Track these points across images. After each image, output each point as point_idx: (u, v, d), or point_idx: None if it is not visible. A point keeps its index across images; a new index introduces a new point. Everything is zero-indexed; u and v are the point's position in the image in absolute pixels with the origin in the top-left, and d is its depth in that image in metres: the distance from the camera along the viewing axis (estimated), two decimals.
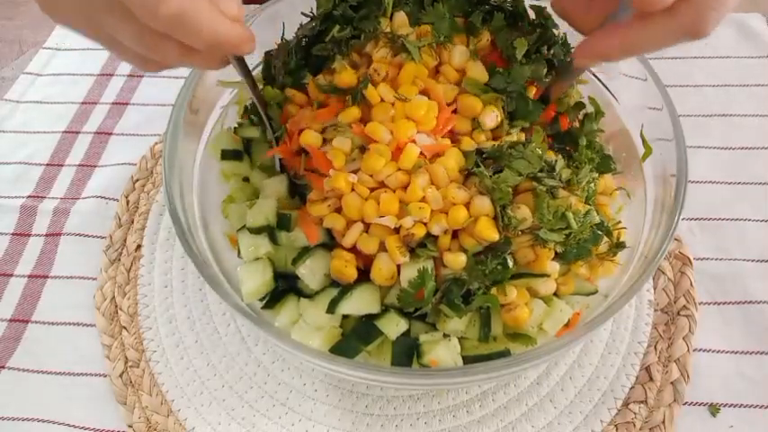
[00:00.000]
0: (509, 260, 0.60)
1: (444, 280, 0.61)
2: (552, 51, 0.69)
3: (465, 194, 0.60)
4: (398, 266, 0.61)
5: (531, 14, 0.70)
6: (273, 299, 0.65)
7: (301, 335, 0.62)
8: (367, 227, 0.62)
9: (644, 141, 0.69)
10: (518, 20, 0.69)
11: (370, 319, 0.61)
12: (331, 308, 0.61)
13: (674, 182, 0.62)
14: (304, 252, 0.64)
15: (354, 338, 0.61)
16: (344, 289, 0.61)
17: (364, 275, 0.63)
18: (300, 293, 0.65)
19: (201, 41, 0.46)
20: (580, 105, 0.73)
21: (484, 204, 0.60)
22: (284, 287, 0.66)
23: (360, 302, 0.61)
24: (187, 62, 0.49)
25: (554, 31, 0.70)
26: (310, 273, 0.63)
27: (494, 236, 0.59)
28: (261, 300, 0.65)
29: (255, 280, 0.64)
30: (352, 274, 0.62)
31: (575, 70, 0.66)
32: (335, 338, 0.62)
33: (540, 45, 0.69)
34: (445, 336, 0.61)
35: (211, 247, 0.66)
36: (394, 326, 0.60)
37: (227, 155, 0.73)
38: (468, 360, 0.61)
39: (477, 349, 0.62)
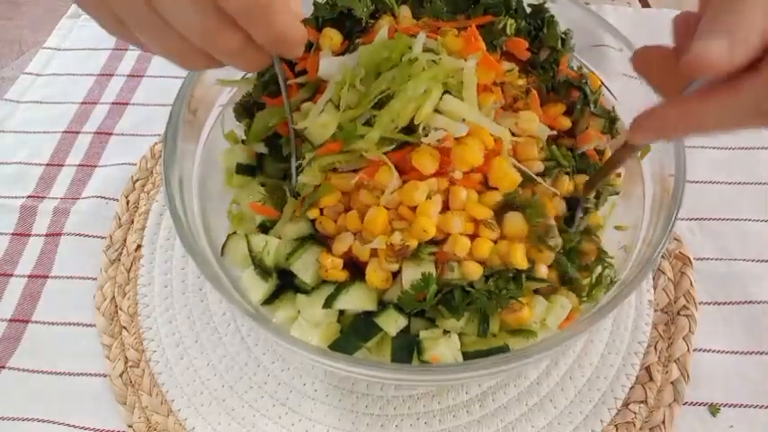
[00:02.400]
0: (524, 281, 0.61)
1: (447, 282, 0.60)
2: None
3: (494, 233, 0.60)
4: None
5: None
6: (272, 295, 0.65)
7: (300, 332, 0.62)
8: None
9: None
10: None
11: (368, 315, 0.61)
12: (328, 303, 0.61)
13: (672, 182, 0.62)
14: (299, 247, 0.64)
15: (353, 335, 0.61)
16: (341, 285, 0.61)
17: (361, 272, 0.62)
18: (298, 289, 0.65)
19: (269, 35, 0.44)
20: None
21: (518, 223, 0.60)
22: (282, 283, 0.66)
23: (356, 299, 0.61)
24: (236, 60, 0.46)
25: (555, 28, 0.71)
26: (304, 268, 0.63)
27: (524, 264, 0.60)
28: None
29: (263, 286, 0.64)
30: (338, 276, 0.62)
31: (628, 149, 0.56)
32: (334, 335, 0.62)
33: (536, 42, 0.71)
34: (445, 332, 0.61)
35: (212, 245, 0.66)
36: (393, 322, 0.60)
37: (241, 169, 0.72)
38: (467, 356, 0.61)
39: (476, 345, 0.62)
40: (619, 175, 0.70)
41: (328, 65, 0.65)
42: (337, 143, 0.61)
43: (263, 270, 0.64)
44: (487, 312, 0.60)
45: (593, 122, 0.69)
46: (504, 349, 0.61)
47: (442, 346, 0.60)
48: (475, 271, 0.60)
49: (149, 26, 0.44)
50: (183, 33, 0.44)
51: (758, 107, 0.38)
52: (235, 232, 0.68)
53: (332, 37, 0.69)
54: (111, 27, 0.47)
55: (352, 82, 0.61)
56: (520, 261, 0.60)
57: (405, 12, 0.71)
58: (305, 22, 0.73)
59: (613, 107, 0.73)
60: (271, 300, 0.65)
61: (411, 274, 0.59)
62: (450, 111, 0.61)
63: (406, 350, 0.61)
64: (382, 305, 0.62)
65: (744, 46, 0.37)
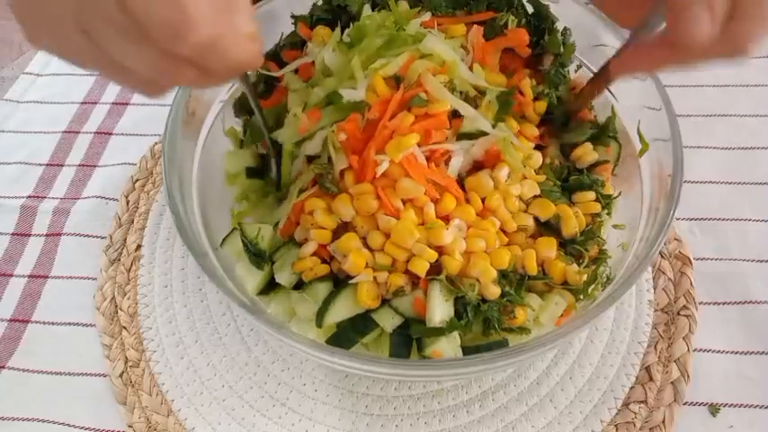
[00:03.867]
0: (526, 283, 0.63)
1: (459, 298, 0.61)
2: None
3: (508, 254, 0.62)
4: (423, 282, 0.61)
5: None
6: (267, 286, 0.66)
7: (297, 327, 0.63)
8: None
9: (641, 137, 0.70)
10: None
11: (365, 310, 0.62)
12: (319, 321, 0.61)
13: (670, 181, 0.62)
14: (281, 246, 0.65)
15: (350, 330, 0.61)
16: (327, 299, 0.62)
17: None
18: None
19: (224, 66, 0.43)
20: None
21: (552, 246, 0.63)
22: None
23: (344, 309, 0.61)
24: (199, 83, 0.46)
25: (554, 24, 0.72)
26: (280, 270, 0.64)
27: (535, 270, 0.64)
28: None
29: (257, 275, 0.64)
30: (319, 273, 0.62)
31: (605, 79, 0.65)
32: (331, 330, 0.63)
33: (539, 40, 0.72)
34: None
35: (211, 241, 0.66)
36: (389, 318, 0.61)
37: (251, 173, 0.72)
38: (466, 351, 0.61)
39: (474, 340, 0.62)
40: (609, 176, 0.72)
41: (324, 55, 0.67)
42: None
43: (258, 256, 0.64)
44: (495, 323, 0.61)
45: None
46: (502, 344, 0.61)
47: (443, 341, 0.60)
48: (495, 293, 0.61)
49: (108, 68, 0.45)
50: (140, 74, 0.44)
51: (738, 45, 0.48)
52: (236, 228, 0.69)
53: (323, 36, 0.70)
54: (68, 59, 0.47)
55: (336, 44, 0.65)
56: (533, 268, 0.62)
57: (402, 6, 0.71)
58: (298, 19, 0.73)
59: (613, 106, 0.73)
60: (266, 290, 0.66)
61: (440, 312, 0.59)
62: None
63: (405, 345, 0.61)
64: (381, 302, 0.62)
65: (720, 10, 0.46)
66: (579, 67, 0.76)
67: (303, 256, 0.63)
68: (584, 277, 0.64)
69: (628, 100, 0.73)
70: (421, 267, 0.59)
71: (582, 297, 0.64)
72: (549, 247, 0.64)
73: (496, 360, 0.54)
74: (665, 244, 0.79)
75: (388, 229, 0.60)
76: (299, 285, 0.64)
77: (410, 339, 0.61)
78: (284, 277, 0.63)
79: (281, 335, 0.55)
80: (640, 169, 0.70)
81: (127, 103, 1.01)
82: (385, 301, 0.62)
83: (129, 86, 0.48)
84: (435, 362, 0.58)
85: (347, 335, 0.61)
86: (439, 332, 0.59)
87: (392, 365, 0.57)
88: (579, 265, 0.65)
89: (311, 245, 0.63)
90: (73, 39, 0.43)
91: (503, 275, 0.62)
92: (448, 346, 0.59)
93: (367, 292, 0.60)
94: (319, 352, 0.55)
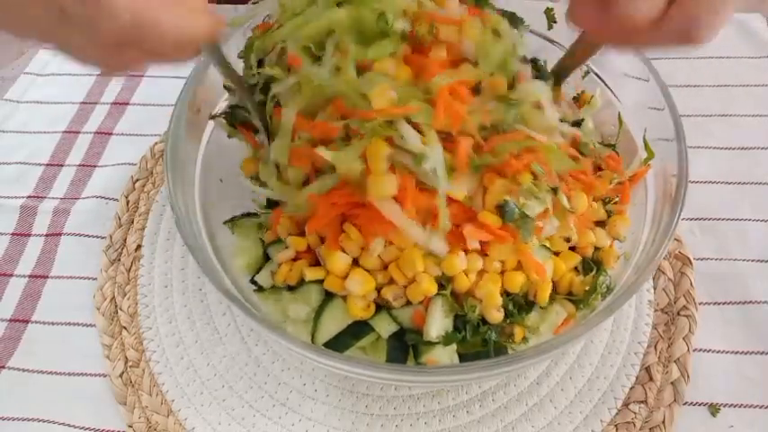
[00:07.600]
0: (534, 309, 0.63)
1: (459, 315, 0.60)
2: None
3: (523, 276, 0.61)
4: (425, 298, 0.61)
5: None
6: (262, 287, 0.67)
7: (292, 327, 0.63)
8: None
9: (646, 146, 0.69)
10: None
11: None
12: (312, 340, 0.61)
13: (674, 182, 0.62)
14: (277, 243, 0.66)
15: (344, 333, 0.62)
16: (316, 315, 0.62)
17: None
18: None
19: (167, 44, 0.43)
20: None
21: (575, 261, 0.64)
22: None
23: (333, 325, 0.61)
24: (155, 61, 0.46)
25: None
26: (265, 275, 0.65)
27: (545, 302, 0.62)
28: (253, 284, 0.67)
29: (249, 255, 0.66)
30: (310, 275, 0.62)
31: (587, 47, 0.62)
32: None
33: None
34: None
35: (212, 242, 0.66)
36: (386, 325, 0.61)
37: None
38: (464, 358, 0.61)
39: (472, 347, 0.62)
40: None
41: None
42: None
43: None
44: (492, 344, 0.61)
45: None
46: (500, 351, 0.61)
47: (439, 349, 0.60)
48: (497, 318, 0.60)
49: (65, 50, 0.48)
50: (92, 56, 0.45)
51: (686, 32, 0.46)
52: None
53: None
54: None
55: None
56: (544, 300, 0.62)
57: None
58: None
59: (620, 114, 0.73)
60: (261, 289, 0.66)
61: (439, 326, 0.59)
62: None
63: (402, 350, 0.61)
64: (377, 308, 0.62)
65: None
66: (587, 73, 0.75)
67: (280, 260, 0.63)
68: (587, 287, 0.64)
69: (629, 100, 0.73)
70: (418, 297, 0.59)
71: (582, 307, 0.64)
72: (571, 261, 0.64)
73: (492, 369, 0.54)
74: None
75: (390, 258, 0.60)
76: (293, 286, 0.64)
77: (407, 344, 0.61)
78: (263, 278, 0.65)
79: (279, 337, 0.55)
80: (646, 180, 0.70)
81: (127, 103, 1.01)
82: (380, 307, 0.61)
83: (90, 65, 0.48)
84: (430, 369, 0.58)
85: (341, 338, 0.62)
86: (434, 345, 0.59)
87: (389, 371, 0.56)
88: (585, 275, 0.65)
89: (288, 251, 0.63)
90: (31, 27, 0.47)
91: (510, 297, 0.61)
92: (444, 353, 0.59)
93: (355, 304, 0.60)
94: (316, 355, 0.55)
